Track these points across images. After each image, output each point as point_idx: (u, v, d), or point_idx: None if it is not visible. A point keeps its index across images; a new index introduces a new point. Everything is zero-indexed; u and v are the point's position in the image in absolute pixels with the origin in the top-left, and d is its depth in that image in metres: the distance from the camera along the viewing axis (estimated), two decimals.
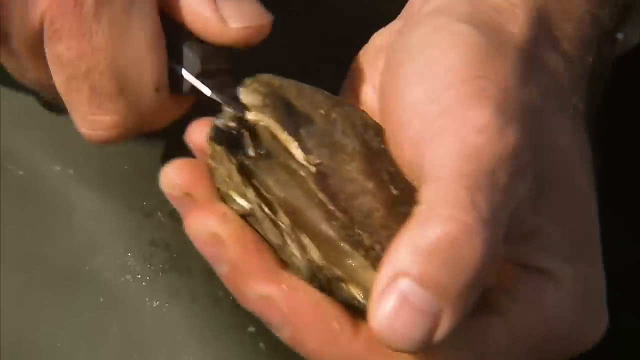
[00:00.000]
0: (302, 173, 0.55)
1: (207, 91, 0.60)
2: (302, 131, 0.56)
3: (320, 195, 0.54)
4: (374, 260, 0.53)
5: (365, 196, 0.55)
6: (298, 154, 0.56)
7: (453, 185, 0.49)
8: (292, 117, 0.57)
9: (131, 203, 0.70)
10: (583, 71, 0.58)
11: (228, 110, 0.58)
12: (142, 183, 0.66)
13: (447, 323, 0.49)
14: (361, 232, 0.54)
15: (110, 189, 0.70)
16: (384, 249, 0.52)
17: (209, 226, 0.54)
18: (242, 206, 0.55)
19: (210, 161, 0.56)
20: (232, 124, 0.58)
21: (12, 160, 0.71)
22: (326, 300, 0.54)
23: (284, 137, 0.57)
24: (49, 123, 0.71)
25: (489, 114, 0.51)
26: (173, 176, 0.56)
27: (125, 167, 0.71)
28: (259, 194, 0.55)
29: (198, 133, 0.58)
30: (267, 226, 0.55)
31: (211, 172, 0.56)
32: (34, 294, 0.69)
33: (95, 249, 0.69)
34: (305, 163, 0.56)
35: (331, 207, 0.54)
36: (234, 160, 0.56)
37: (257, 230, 0.55)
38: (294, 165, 0.56)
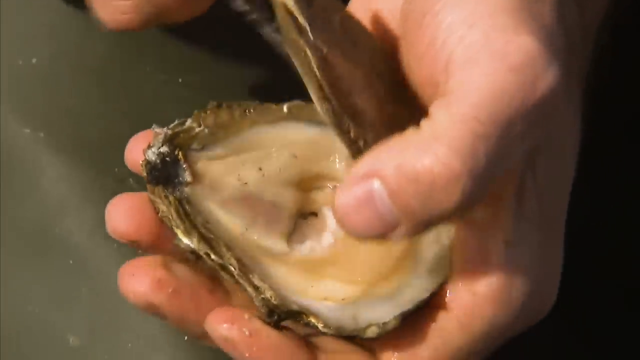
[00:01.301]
0: (309, 53, 0.54)
1: None
2: (318, 21, 0.55)
3: (320, 78, 0.53)
4: (356, 151, 0.53)
5: (362, 95, 0.55)
6: (307, 38, 0.54)
7: (463, 125, 0.49)
8: (310, 8, 0.56)
9: (102, 168, 0.70)
10: (589, 39, 0.58)
11: (158, 132, 0.58)
12: (114, 149, 0.66)
13: (400, 233, 0.50)
14: (350, 123, 0.53)
15: (81, 154, 0.70)
16: (367, 146, 0.52)
17: (142, 294, 0.55)
18: (188, 245, 0.56)
19: (150, 195, 0.57)
20: (164, 150, 0.57)
21: None
22: (286, 340, 0.54)
23: (301, 21, 0.54)
24: (20, 87, 0.71)
25: (528, 51, 0.50)
26: (117, 223, 0.56)
27: (98, 132, 0.71)
28: (201, 236, 0.56)
29: (136, 151, 0.58)
30: (218, 270, 0.56)
31: (154, 206, 0.56)
32: (3, 257, 0.69)
33: (65, 212, 0.69)
34: (313, 45, 0.54)
35: (327, 92, 0.53)
36: (170, 198, 0.56)
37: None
38: (302, 46, 0.54)
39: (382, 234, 0.51)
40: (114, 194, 0.69)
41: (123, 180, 0.70)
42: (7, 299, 0.68)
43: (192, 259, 0.56)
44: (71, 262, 0.69)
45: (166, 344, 0.68)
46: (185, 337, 0.68)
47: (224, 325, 0.53)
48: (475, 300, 0.55)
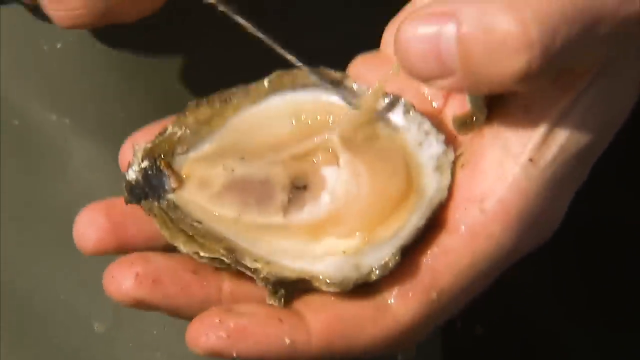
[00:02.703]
0: None
1: None
2: None
3: None
4: None
5: None
6: None
7: (556, 1, 0.49)
8: None
9: None
10: None
11: (137, 149, 0.59)
12: None
13: (449, 83, 0.51)
14: None
15: (106, 138, 0.70)
16: None
17: (125, 293, 0.55)
18: (186, 253, 0.56)
19: (144, 212, 0.58)
20: (145, 164, 0.59)
21: (8, 110, 0.71)
22: (266, 327, 0.54)
23: None
24: (45, 72, 0.71)
25: None
26: (82, 244, 0.58)
27: (123, 116, 0.71)
28: (188, 237, 0.56)
29: (130, 153, 0.59)
30: (216, 265, 0.56)
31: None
32: (30, 244, 0.69)
33: (91, 198, 0.69)
34: None
35: None
36: (155, 210, 0.57)
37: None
38: None
39: (432, 77, 0.51)
40: None
41: None
42: (33, 285, 0.69)
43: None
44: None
45: None
46: None
47: (202, 339, 0.53)
48: (483, 218, 0.54)
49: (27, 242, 0.69)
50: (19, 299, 0.68)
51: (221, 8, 0.61)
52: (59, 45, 0.72)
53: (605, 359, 0.81)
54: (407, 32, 0.51)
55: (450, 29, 0.50)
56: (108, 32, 0.71)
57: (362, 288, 0.56)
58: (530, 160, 0.54)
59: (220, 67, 0.72)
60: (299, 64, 0.60)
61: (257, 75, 0.61)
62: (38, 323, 0.68)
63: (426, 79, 0.52)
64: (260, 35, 0.61)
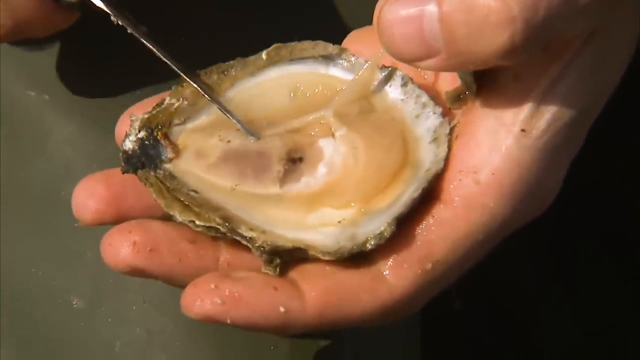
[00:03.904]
0: None
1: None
2: None
3: None
4: None
5: None
6: None
7: None
8: None
9: (107, 129, 0.69)
10: None
11: (133, 120, 0.59)
12: (118, 109, 0.66)
13: (435, 63, 0.51)
14: None
15: (86, 115, 0.70)
16: None
17: (122, 260, 0.55)
18: (182, 221, 0.56)
19: (140, 181, 0.58)
20: (142, 135, 0.59)
21: None
22: (268, 292, 0.54)
23: None
24: (24, 49, 0.71)
25: None
26: (81, 215, 0.57)
27: (103, 94, 0.70)
28: (184, 206, 0.56)
29: (127, 125, 0.60)
30: (207, 233, 0.56)
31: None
32: (9, 220, 0.69)
33: (71, 175, 0.69)
34: None
35: None
36: (151, 179, 0.58)
37: None
38: None
39: (418, 58, 0.51)
40: (118, 155, 0.69)
41: None
42: (12, 261, 0.69)
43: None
44: (76, 225, 0.69)
45: (171, 306, 0.68)
46: None
47: (196, 304, 0.53)
48: (478, 189, 0.55)
49: (6, 219, 0.69)
50: None
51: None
52: None
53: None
54: (389, 14, 0.51)
55: (431, 9, 0.50)
56: (88, 8, 0.71)
57: (358, 259, 0.56)
58: (523, 130, 0.54)
59: (210, 46, 0.71)
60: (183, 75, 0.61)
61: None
62: (17, 299, 0.68)
63: (412, 61, 0.52)
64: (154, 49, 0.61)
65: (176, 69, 0.60)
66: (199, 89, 0.60)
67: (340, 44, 0.63)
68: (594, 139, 0.58)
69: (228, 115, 0.60)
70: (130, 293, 0.68)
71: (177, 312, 0.67)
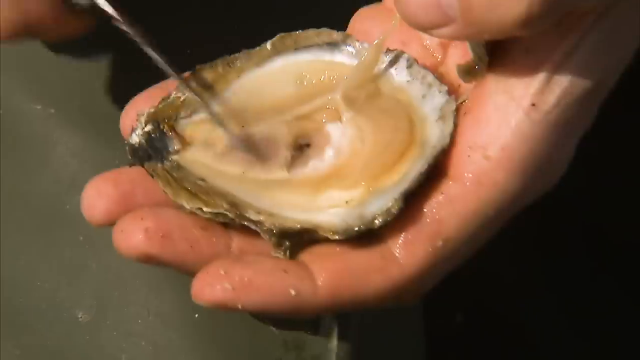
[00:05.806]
0: None
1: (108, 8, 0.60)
2: None
3: None
4: None
5: None
6: None
7: None
8: None
9: (113, 143, 0.70)
10: None
11: (139, 114, 0.59)
12: None
13: (451, 31, 0.51)
14: None
15: (91, 129, 0.70)
16: None
17: (134, 246, 0.55)
18: (190, 210, 0.56)
19: (148, 173, 0.58)
20: (149, 128, 0.59)
21: None
22: (278, 275, 0.54)
23: None
24: (30, 62, 0.71)
25: None
26: (92, 218, 0.57)
27: (108, 107, 0.70)
28: (191, 194, 0.57)
29: (131, 117, 0.60)
30: (215, 220, 0.56)
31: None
32: (15, 232, 0.69)
33: (76, 188, 0.69)
34: None
35: None
36: (159, 171, 0.58)
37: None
38: None
39: (433, 26, 0.51)
40: None
41: None
42: (17, 274, 0.69)
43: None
44: (81, 238, 0.69)
45: (176, 320, 0.68)
46: (196, 315, 0.67)
47: (206, 291, 0.53)
48: (487, 165, 0.54)
49: (11, 232, 0.69)
50: (2, 289, 0.68)
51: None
52: None
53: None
54: None
55: None
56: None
57: (368, 238, 0.56)
58: (533, 104, 0.54)
59: (206, 49, 0.72)
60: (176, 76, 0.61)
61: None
62: (22, 312, 0.68)
63: (427, 29, 0.52)
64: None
65: (174, 74, 0.60)
66: (193, 93, 0.60)
67: (344, 30, 0.63)
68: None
69: (210, 113, 0.60)
70: (135, 306, 0.68)
71: (182, 325, 0.68)
